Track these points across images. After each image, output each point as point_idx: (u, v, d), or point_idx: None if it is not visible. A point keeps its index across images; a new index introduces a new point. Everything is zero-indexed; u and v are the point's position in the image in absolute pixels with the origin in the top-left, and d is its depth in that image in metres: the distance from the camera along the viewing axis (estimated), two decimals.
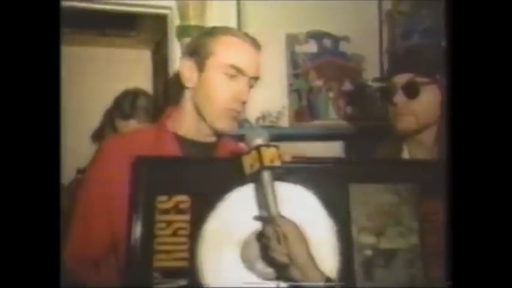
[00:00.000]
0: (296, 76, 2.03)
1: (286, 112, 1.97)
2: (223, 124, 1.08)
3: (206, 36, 1.10)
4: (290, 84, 2.03)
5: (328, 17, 2.16)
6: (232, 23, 2.01)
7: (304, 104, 1.99)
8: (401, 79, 1.20)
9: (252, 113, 1.91)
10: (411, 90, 1.19)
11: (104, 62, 2.51)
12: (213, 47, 1.06)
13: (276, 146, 0.94)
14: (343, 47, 2.14)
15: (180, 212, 0.97)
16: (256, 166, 0.90)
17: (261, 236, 0.92)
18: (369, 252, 0.99)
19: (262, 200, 0.92)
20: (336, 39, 2.13)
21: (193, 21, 1.86)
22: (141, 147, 1.06)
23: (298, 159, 1.03)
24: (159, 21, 2.03)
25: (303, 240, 0.89)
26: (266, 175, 0.90)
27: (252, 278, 0.93)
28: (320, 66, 2.05)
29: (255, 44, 1.10)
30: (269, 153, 0.91)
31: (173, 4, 1.94)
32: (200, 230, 0.96)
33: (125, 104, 1.68)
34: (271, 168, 0.90)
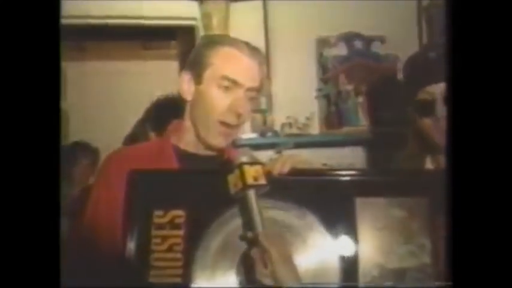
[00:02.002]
0: (325, 81, 1.96)
1: (315, 119, 1.90)
2: (216, 140, 1.04)
3: (203, 47, 1.08)
4: (319, 90, 1.96)
5: (362, 18, 2.09)
6: (259, 29, 1.99)
7: (333, 109, 1.91)
8: (439, 87, 1.05)
9: (278, 119, 1.87)
10: None
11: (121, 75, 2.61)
12: (209, 58, 1.04)
13: (262, 163, 0.90)
14: (376, 47, 2.04)
15: (175, 227, 0.95)
16: (240, 185, 0.87)
17: (246, 258, 0.89)
18: (375, 272, 0.91)
19: (248, 220, 0.88)
20: (367, 40, 2.03)
21: (216, 31, 1.86)
22: (143, 160, 1.06)
23: (299, 172, 0.97)
24: (188, 33, 2.04)
25: (290, 259, 0.85)
26: (251, 194, 0.87)
27: None
28: (350, 69, 1.96)
29: (256, 53, 1.06)
30: (253, 171, 0.87)
31: (198, 15, 1.95)
32: (194, 246, 0.94)
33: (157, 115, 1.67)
34: (254, 187, 0.87)
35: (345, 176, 1.02)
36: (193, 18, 1.96)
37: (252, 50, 1.06)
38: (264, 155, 1.05)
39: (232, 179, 0.89)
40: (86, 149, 2.49)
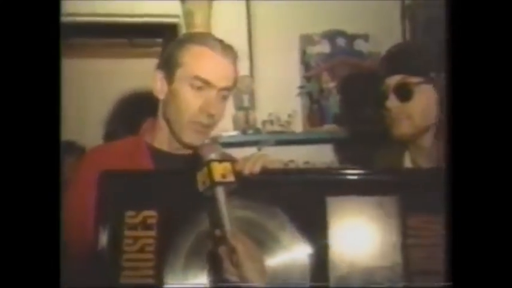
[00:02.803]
0: (308, 78, 1.96)
1: (297, 116, 1.90)
2: (190, 138, 1.04)
3: (176, 46, 1.07)
4: (301, 87, 1.96)
5: (345, 15, 2.08)
6: (242, 26, 1.98)
7: (315, 107, 1.91)
8: (392, 81, 1.11)
9: (259, 117, 1.87)
10: (403, 92, 1.10)
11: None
12: (181, 58, 1.04)
13: (231, 160, 0.90)
14: (359, 45, 2.04)
15: (147, 227, 0.95)
16: (208, 182, 0.87)
17: (213, 256, 0.88)
18: (345, 270, 0.92)
19: (216, 218, 0.88)
20: (351, 38, 2.03)
21: (199, 29, 1.85)
22: (118, 159, 1.05)
23: (271, 170, 0.97)
24: (169, 30, 2.03)
25: (257, 258, 0.85)
26: (219, 191, 0.86)
27: None
28: (333, 67, 1.97)
29: (229, 52, 1.05)
30: (221, 169, 0.87)
31: (180, 13, 1.94)
32: (166, 247, 0.94)
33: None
34: (223, 184, 0.86)
35: (316, 175, 1.03)
36: (177, 16, 1.95)
37: (225, 48, 1.05)
38: (247, 152, 1.05)
39: (201, 176, 0.88)
40: (71, 148, 2.48)
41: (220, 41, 1.07)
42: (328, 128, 1.90)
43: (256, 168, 0.95)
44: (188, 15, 1.87)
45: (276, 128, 1.81)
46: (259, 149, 1.79)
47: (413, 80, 1.09)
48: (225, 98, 1.06)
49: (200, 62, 1.02)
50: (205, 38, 1.07)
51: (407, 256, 0.91)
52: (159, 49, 2.50)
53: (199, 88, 1.02)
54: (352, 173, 1.00)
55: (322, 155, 1.83)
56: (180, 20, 1.98)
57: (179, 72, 1.03)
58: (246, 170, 0.94)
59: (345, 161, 1.83)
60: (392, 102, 1.10)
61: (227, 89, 1.05)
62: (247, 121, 1.82)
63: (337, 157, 1.86)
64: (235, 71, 1.07)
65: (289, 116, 1.87)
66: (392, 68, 1.12)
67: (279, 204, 0.94)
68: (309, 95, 1.95)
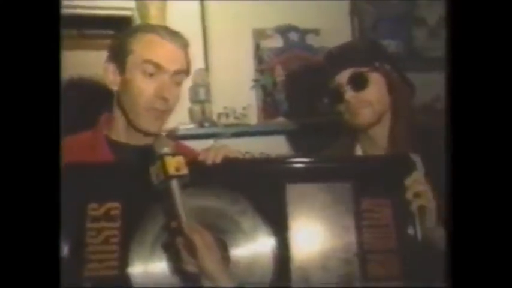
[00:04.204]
0: (262, 72, 2.01)
1: (253, 109, 1.95)
2: (147, 124, 1.05)
3: (125, 36, 1.08)
4: (255, 80, 2.01)
5: (297, 10, 2.13)
6: (196, 21, 1.99)
7: (269, 100, 1.97)
8: (343, 76, 1.17)
9: (215, 109, 1.90)
10: (359, 82, 1.17)
11: None
12: (130, 46, 1.05)
13: (186, 153, 0.93)
14: (311, 40, 2.11)
15: (111, 219, 0.96)
16: (162, 176, 0.89)
17: (170, 247, 0.91)
18: (305, 252, 0.97)
19: (171, 210, 0.91)
20: (303, 33, 2.09)
21: (154, 21, 1.84)
22: (75, 152, 1.04)
23: (232, 160, 1.01)
24: (123, 23, 2.01)
25: (214, 248, 0.87)
26: (173, 184, 0.89)
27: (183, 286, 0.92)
28: (286, 61, 2.02)
29: (177, 37, 1.07)
30: (174, 162, 0.89)
31: (134, 5, 1.92)
32: (130, 237, 0.95)
33: None
34: (176, 177, 0.89)
35: (276, 164, 1.08)
36: (130, 9, 1.93)
37: (173, 34, 1.07)
38: (204, 145, 1.08)
39: (155, 170, 0.91)
40: None
41: (167, 28, 1.10)
42: (282, 120, 1.96)
43: (218, 158, 0.98)
44: (142, 7, 1.86)
45: (232, 120, 1.84)
46: (215, 142, 1.82)
47: (364, 69, 1.16)
48: (179, 83, 1.08)
49: (150, 48, 1.04)
50: (152, 26, 1.11)
51: (361, 236, 0.98)
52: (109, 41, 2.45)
53: (151, 75, 1.03)
54: (310, 161, 1.07)
55: (276, 147, 1.88)
56: (133, 13, 1.96)
57: (130, 60, 1.04)
58: (209, 160, 0.97)
59: (298, 153, 1.90)
60: (349, 93, 1.16)
61: (180, 72, 1.06)
62: (203, 114, 1.84)
63: (291, 149, 1.92)
64: (187, 56, 1.09)
65: (244, 108, 1.91)
66: (338, 65, 1.19)
67: (240, 191, 0.98)
68: (263, 88, 2.00)
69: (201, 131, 1.80)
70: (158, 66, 1.03)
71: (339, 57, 1.21)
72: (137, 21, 1.95)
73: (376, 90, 1.17)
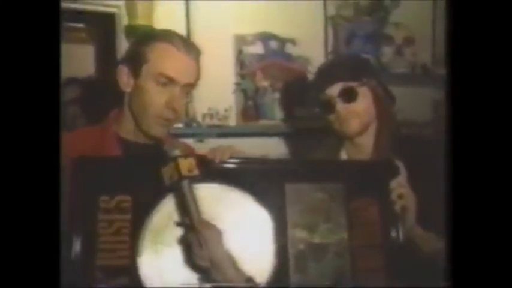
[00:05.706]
0: (243, 76, 2.09)
1: (233, 111, 2.03)
2: (154, 131, 1.11)
3: (142, 42, 1.12)
4: (237, 84, 2.09)
5: (277, 19, 2.22)
6: (181, 23, 2.03)
7: (250, 103, 2.05)
8: (335, 89, 1.28)
9: (199, 110, 1.96)
10: (349, 95, 1.28)
11: None
12: (147, 54, 1.08)
13: (194, 156, 0.99)
14: (289, 49, 2.21)
15: (122, 211, 1.01)
16: (175, 176, 0.95)
17: (183, 242, 0.98)
18: (301, 246, 1.07)
19: (184, 208, 0.98)
20: (281, 42, 2.19)
21: (141, 21, 1.87)
22: (84, 147, 1.08)
23: (238, 159, 1.09)
24: (107, 19, 2.02)
25: (223, 243, 0.95)
26: (185, 184, 0.95)
27: (192, 277, 0.98)
28: (266, 67, 2.12)
29: (193, 49, 1.11)
30: (187, 164, 0.96)
31: (121, 3, 1.94)
32: (141, 229, 1.00)
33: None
34: (189, 178, 0.96)
35: (275, 164, 1.17)
36: (117, 6, 1.95)
37: (188, 45, 1.11)
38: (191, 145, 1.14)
39: (167, 171, 0.96)
40: None
41: (183, 38, 1.13)
42: (264, 123, 2.05)
43: (225, 157, 1.06)
44: (130, 6, 1.88)
45: (215, 121, 1.91)
46: (200, 141, 1.88)
47: (354, 84, 1.28)
48: (187, 94, 1.14)
49: (165, 60, 1.07)
50: (169, 36, 1.11)
51: (351, 233, 1.09)
52: (86, 35, 2.43)
53: (164, 84, 1.07)
54: (306, 164, 1.17)
55: (256, 148, 1.96)
56: (119, 11, 1.98)
57: (145, 68, 1.08)
58: (217, 159, 1.05)
59: (283, 155, 2.00)
60: (340, 105, 1.27)
61: (190, 85, 1.12)
62: (187, 114, 1.90)
63: (275, 151, 2.00)
64: (198, 67, 1.14)
65: (226, 110, 1.99)
66: (329, 79, 1.30)
67: (244, 188, 1.06)
68: (244, 91, 2.08)
69: (188, 131, 1.85)
70: (171, 79, 1.07)
71: (330, 72, 1.32)
72: (122, 18, 1.98)
73: (363, 103, 1.29)
